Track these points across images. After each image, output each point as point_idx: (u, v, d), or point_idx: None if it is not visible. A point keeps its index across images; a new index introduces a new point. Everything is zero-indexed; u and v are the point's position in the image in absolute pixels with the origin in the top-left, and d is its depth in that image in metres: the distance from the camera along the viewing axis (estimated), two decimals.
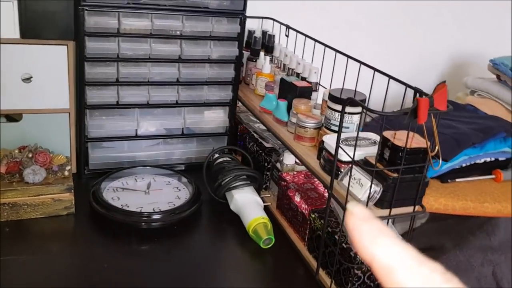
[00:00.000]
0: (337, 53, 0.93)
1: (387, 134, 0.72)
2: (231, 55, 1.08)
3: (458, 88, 1.62)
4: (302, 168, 1.01)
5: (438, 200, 1.15)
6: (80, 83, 0.97)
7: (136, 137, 1.08)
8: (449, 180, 1.22)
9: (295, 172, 0.99)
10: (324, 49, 0.98)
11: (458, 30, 1.67)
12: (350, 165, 0.70)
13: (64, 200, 0.90)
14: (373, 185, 0.68)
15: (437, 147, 0.66)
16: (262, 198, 1.00)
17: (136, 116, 1.06)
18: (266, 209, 0.97)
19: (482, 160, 1.27)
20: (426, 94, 0.68)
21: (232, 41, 1.07)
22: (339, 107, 0.82)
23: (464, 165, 1.24)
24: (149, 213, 0.91)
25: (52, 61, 0.95)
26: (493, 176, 1.27)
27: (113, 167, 1.05)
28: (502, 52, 1.54)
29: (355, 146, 0.69)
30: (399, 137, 0.71)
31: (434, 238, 1.58)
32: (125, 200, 0.95)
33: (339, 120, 0.83)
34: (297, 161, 1.00)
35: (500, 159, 1.28)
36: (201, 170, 1.05)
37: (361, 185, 0.69)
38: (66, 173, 0.92)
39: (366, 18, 1.53)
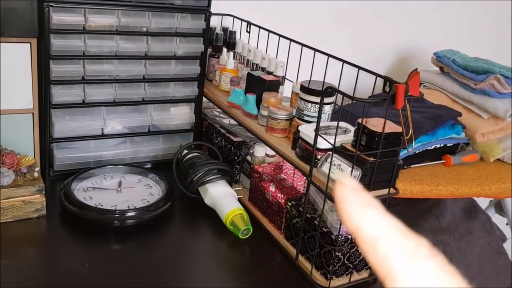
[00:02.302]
0: (303, 47, 0.96)
1: (360, 121, 0.76)
2: (196, 51, 1.09)
3: (404, 81, 1.71)
4: (272, 160, 1.04)
5: (396, 185, 1.21)
6: (44, 82, 0.95)
7: (103, 136, 1.06)
8: (405, 167, 1.29)
9: (265, 164, 1.02)
10: (290, 43, 1.01)
11: (402, 26, 1.77)
12: (331, 152, 0.74)
13: (35, 202, 0.88)
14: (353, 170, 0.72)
15: (410, 131, 0.71)
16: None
17: (103, 114, 1.04)
18: (238, 201, 0.99)
19: (433, 147, 1.35)
20: (397, 83, 0.73)
21: (197, 37, 1.08)
22: (312, 98, 0.86)
23: (417, 151, 1.32)
24: (124, 211, 0.90)
25: (15, 59, 0.91)
26: (443, 161, 1.36)
27: (79, 168, 1.03)
28: (443, 46, 1.64)
29: (336, 133, 0.72)
30: (372, 124, 0.75)
31: None
32: (98, 199, 0.93)
33: (312, 110, 0.87)
34: (267, 153, 1.03)
35: (448, 145, 1.38)
36: (168, 167, 1.05)
37: (342, 170, 0.73)
38: (36, 174, 0.89)
39: (316, 14, 1.58)
